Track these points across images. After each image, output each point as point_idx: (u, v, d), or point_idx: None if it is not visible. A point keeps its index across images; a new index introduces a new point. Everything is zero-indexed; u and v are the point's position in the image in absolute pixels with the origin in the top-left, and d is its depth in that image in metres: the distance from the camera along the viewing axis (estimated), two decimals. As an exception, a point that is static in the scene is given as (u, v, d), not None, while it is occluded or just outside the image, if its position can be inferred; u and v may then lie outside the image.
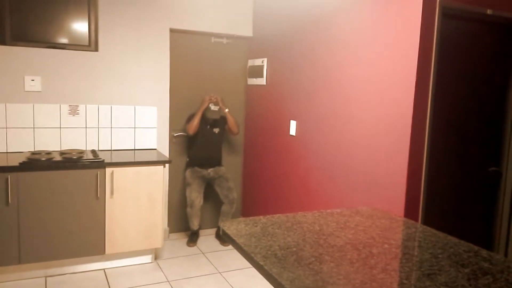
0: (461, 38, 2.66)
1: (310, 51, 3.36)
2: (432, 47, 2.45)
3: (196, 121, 3.95)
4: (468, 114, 2.76)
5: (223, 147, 4.34)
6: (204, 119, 4.04)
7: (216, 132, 4.12)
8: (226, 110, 4.06)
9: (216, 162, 4.17)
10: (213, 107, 4.05)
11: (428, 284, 1.30)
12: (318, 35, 3.26)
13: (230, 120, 4.08)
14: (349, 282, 1.29)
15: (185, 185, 4.09)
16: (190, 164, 4.13)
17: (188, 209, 3.98)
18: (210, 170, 4.09)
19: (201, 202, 3.96)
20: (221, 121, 4.14)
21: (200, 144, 4.08)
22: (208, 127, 4.09)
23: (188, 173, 4.08)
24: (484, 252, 1.57)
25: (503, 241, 2.90)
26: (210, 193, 4.19)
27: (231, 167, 4.58)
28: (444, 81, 2.56)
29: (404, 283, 1.32)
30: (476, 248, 1.62)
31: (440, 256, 1.53)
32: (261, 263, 1.39)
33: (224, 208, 4.03)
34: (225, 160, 4.44)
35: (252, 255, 1.45)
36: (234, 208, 4.10)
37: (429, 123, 2.49)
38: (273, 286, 1.31)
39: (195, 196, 3.93)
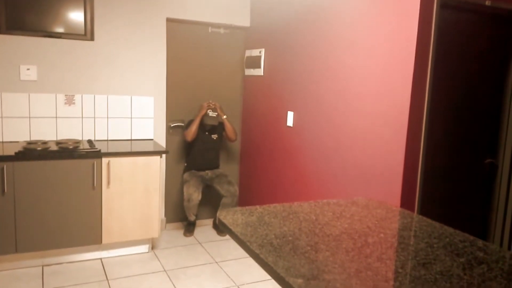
0: (460, 29, 2.64)
1: (308, 41, 3.34)
2: (430, 38, 2.44)
3: (194, 128, 3.97)
4: (465, 106, 2.76)
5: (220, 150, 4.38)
6: (202, 125, 4.06)
7: (215, 138, 4.16)
8: (224, 117, 4.09)
9: (214, 166, 4.23)
10: (211, 113, 4.05)
11: (423, 273, 1.30)
12: (316, 26, 3.24)
13: (228, 127, 4.11)
14: (344, 270, 1.29)
15: (183, 183, 4.09)
16: (188, 169, 4.16)
17: (186, 203, 3.96)
18: (207, 171, 4.15)
19: (199, 197, 3.92)
20: (219, 127, 4.16)
21: (198, 150, 4.12)
22: (207, 133, 4.12)
23: (186, 174, 4.10)
24: (479, 242, 1.58)
25: (499, 231, 2.92)
26: (210, 189, 4.17)
27: (228, 157, 4.58)
28: (442, 73, 2.56)
29: (399, 271, 1.33)
30: (471, 238, 1.62)
31: (435, 245, 1.54)
32: (257, 251, 1.39)
33: (225, 200, 4.02)
34: (222, 151, 4.44)
35: (248, 244, 1.45)
36: (235, 202, 4.09)
37: (426, 115, 2.49)
38: (269, 274, 1.32)
39: (193, 190, 3.92)
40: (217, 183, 4.08)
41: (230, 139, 4.20)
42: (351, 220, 1.79)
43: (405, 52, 2.46)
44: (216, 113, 4.06)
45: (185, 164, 4.23)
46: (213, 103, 4.05)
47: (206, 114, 4.03)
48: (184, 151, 4.33)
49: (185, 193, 3.95)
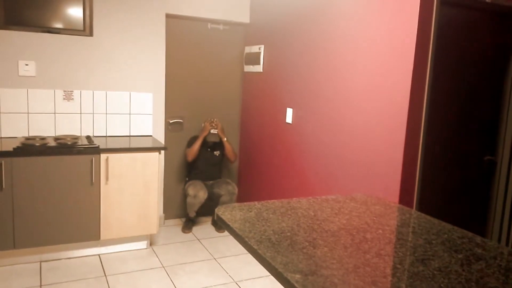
0: (460, 26, 2.64)
1: (308, 38, 3.33)
2: (430, 34, 2.43)
3: (196, 148, 4.01)
4: (464, 103, 2.76)
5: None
6: (204, 142, 4.08)
7: (217, 154, 4.18)
8: (225, 139, 4.11)
9: (216, 178, 4.27)
10: (213, 130, 4.06)
11: (421, 269, 1.30)
12: (316, 23, 3.23)
13: (228, 149, 4.14)
14: (342, 266, 1.29)
15: (187, 187, 4.07)
16: (189, 181, 4.17)
17: (191, 199, 3.95)
18: (209, 181, 4.20)
19: (205, 195, 3.95)
20: (222, 144, 4.17)
21: (201, 166, 4.16)
22: (209, 150, 4.14)
23: (187, 183, 4.11)
24: (478, 239, 1.58)
25: (497, 228, 2.92)
26: (211, 195, 4.16)
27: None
28: (441, 70, 2.55)
29: (397, 267, 1.33)
30: (470, 234, 1.62)
31: (434, 242, 1.53)
32: (255, 247, 1.39)
33: (224, 198, 4.02)
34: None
35: (246, 239, 1.45)
36: (234, 200, 4.08)
37: (426, 112, 2.48)
38: (267, 270, 1.31)
39: (200, 188, 3.95)
40: (216, 186, 4.13)
41: (229, 160, 4.24)
42: (350, 216, 1.79)
43: (405, 49, 2.45)
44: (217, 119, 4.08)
45: (186, 179, 4.24)
46: (215, 121, 4.06)
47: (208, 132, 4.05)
48: (185, 171, 4.33)
49: (191, 191, 3.95)
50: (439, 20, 2.45)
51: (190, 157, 4.04)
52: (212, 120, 4.08)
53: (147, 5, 3.84)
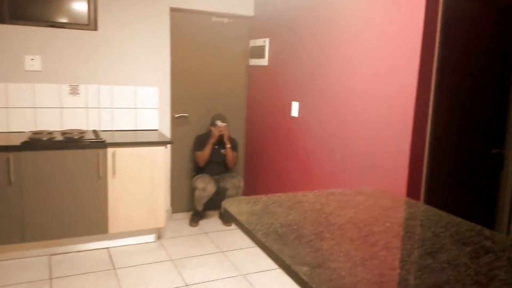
0: (467, 18, 2.60)
1: (313, 31, 3.31)
2: (436, 27, 2.40)
3: (207, 154, 4.04)
4: (471, 96, 2.73)
5: None
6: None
7: (224, 153, 4.17)
8: (228, 146, 4.11)
9: (223, 173, 4.26)
10: (220, 123, 4.05)
11: (429, 261, 1.29)
12: (321, 15, 3.20)
13: (229, 156, 4.14)
14: (349, 259, 1.29)
15: (195, 180, 4.07)
16: (196, 175, 4.18)
17: (200, 192, 3.96)
18: (215, 175, 4.20)
19: (214, 189, 3.97)
20: (228, 140, 4.16)
21: (208, 164, 4.14)
22: (216, 147, 4.13)
23: (195, 177, 4.11)
24: (486, 231, 1.57)
25: (505, 220, 2.90)
26: (218, 189, 4.18)
27: (233, 148, 4.57)
28: (448, 62, 2.52)
29: (405, 260, 1.32)
30: (478, 227, 1.61)
31: (442, 234, 1.53)
32: (262, 240, 1.39)
33: (230, 192, 4.03)
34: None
35: (254, 232, 1.45)
36: (240, 194, 4.09)
37: (432, 104, 2.46)
38: (274, 262, 1.31)
39: (208, 181, 3.96)
40: (222, 180, 4.13)
41: (228, 166, 4.23)
42: (357, 209, 1.78)
43: (411, 41, 2.42)
44: (225, 124, 4.07)
45: (194, 173, 4.24)
46: (223, 130, 4.03)
47: (215, 125, 4.04)
48: (192, 168, 4.33)
49: (200, 184, 3.96)
50: (445, 13, 2.41)
51: (202, 163, 4.07)
52: (222, 128, 4.04)
53: (152, -1, 3.83)
